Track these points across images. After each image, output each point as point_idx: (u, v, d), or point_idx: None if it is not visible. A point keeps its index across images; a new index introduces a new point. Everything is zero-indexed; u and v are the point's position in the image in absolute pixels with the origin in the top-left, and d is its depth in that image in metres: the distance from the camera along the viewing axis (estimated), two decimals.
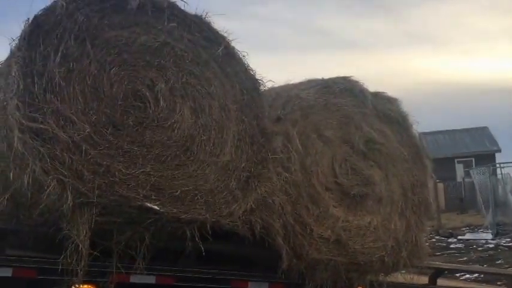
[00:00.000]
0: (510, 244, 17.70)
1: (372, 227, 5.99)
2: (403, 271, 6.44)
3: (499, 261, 14.11)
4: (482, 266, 13.34)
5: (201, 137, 4.85)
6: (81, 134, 4.27)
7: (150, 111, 4.64)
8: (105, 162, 4.33)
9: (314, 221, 5.60)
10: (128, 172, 4.42)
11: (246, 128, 5.13)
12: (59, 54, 4.34)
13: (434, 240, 19.08)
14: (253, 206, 4.98)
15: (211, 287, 5.41)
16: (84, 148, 4.26)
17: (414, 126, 6.60)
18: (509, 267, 12.97)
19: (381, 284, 6.05)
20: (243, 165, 5.04)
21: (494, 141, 39.98)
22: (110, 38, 4.61)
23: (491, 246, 17.60)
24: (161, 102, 4.69)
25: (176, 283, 5.16)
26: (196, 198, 4.71)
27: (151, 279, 4.96)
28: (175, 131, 4.72)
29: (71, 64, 4.40)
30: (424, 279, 7.30)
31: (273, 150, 5.23)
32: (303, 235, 5.48)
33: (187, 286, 5.29)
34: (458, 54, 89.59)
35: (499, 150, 39.13)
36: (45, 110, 4.21)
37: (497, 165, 23.96)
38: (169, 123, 4.70)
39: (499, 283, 10.41)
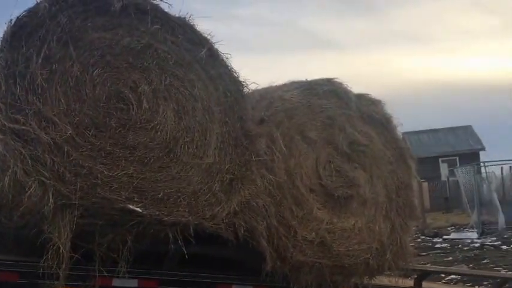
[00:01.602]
0: (496, 243, 17.85)
1: (356, 229, 6.02)
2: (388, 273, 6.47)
3: (485, 261, 14.23)
4: (468, 265, 13.44)
5: (184, 139, 4.86)
6: (63, 136, 4.28)
7: (133, 113, 4.64)
8: (87, 164, 4.34)
9: (298, 223, 5.62)
10: (110, 174, 4.43)
11: (229, 130, 5.15)
12: (42, 55, 4.34)
13: (419, 240, 19.20)
14: (236, 208, 4.99)
15: None
16: (66, 150, 4.27)
17: (398, 128, 6.66)
18: (495, 267, 13.08)
19: (365, 287, 6.08)
20: (227, 167, 5.05)
21: (478, 140, 40.26)
22: (93, 39, 4.61)
23: (476, 245, 17.73)
24: (144, 104, 4.69)
25: (159, 286, 5.18)
26: (179, 200, 4.73)
27: (133, 283, 4.97)
28: (158, 132, 4.73)
29: (54, 66, 4.40)
30: (410, 282, 7.36)
31: (256, 152, 5.25)
32: (287, 237, 5.50)
33: None
34: (441, 53, 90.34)
35: (483, 149, 39.43)
36: (27, 111, 4.23)
37: (482, 164, 24.14)
38: (152, 125, 4.71)
39: (485, 282, 10.53)
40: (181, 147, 4.84)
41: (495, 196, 21.99)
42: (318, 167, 5.91)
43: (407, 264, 6.47)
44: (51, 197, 4.09)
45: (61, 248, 4.14)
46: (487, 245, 17.63)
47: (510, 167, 24.76)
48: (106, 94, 4.57)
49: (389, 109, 6.61)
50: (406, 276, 6.95)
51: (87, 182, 4.31)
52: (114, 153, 4.50)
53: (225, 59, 5.25)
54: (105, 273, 4.50)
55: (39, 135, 4.19)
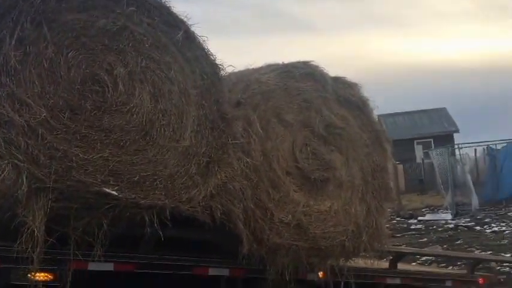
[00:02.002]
0: (469, 224, 18.11)
1: (332, 212, 6.07)
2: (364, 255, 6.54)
3: (459, 242, 14.45)
4: (442, 246, 13.62)
5: (160, 122, 4.83)
6: (38, 118, 4.22)
7: (109, 96, 4.59)
8: (62, 147, 4.29)
9: (275, 205, 5.65)
10: (86, 157, 4.39)
11: (206, 113, 5.13)
12: (15, 37, 4.25)
13: (394, 221, 19.42)
14: (213, 191, 5.00)
15: (170, 274, 5.44)
16: (40, 132, 4.21)
17: (374, 111, 6.70)
18: (468, 248, 13.29)
19: (341, 269, 6.14)
20: (203, 150, 5.04)
21: (452, 122, 40.56)
22: (68, 21, 4.53)
23: (451, 226, 17.99)
24: (120, 87, 4.63)
25: (135, 270, 5.17)
26: (155, 183, 4.71)
27: (109, 267, 4.96)
28: (134, 115, 4.68)
29: (27, 47, 4.32)
30: (385, 263, 7.45)
31: (233, 135, 5.24)
32: (264, 220, 5.52)
33: (147, 273, 5.31)
34: (417, 36, 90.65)
35: (457, 131, 39.73)
36: (0, 93, 4.15)
37: (456, 146, 24.41)
38: (128, 108, 4.66)
39: (458, 263, 10.71)
40: (157, 130, 4.81)
41: (469, 178, 22.25)
42: (295, 149, 5.94)
43: (382, 246, 6.55)
44: (25, 180, 4.04)
45: (35, 232, 4.10)
46: (461, 226, 17.89)
47: (484, 148, 25.00)
48: (81, 76, 4.51)
49: (366, 92, 6.65)
50: (381, 257, 7.03)
51: (62, 165, 4.26)
52: (90, 136, 4.45)
53: (201, 41, 5.21)
54: (81, 257, 4.47)
55: (13, 117, 4.12)
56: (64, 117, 4.35)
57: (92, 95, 4.52)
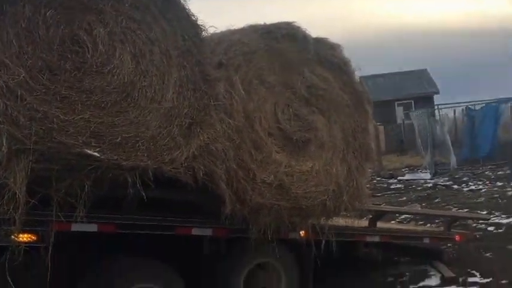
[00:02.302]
0: (447, 183, 18.25)
1: (314, 172, 6.05)
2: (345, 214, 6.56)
3: (437, 200, 14.56)
4: (421, 204, 13.73)
5: (141, 83, 4.72)
6: (16, 79, 4.08)
7: (89, 56, 4.46)
8: (42, 108, 4.17)
9: (257, 166, 5.61)
10: (67, 118, 4.28)
11: (187, 74, 5.02)
12: None
13: (375, 181, 19.53)
14: (195, 152, 4.93)
15: (154, 234, 5.41)
16: (19, 93, 4.08)
17: (356, 72, 6.63)
18: (446, 205, 13.41)
19: (322, 228, 6.15)
20: (185, 111, 4.95)
21: (433, 83, 40.60)
22: None
23: (429, 185, 18.10)
24: (100, 47, 4.50)
25: (119, 231, 5.13)
26: (137, 145, 4.62)
27: (93, 228, 4.91)
28: (115, 76, 4.56)
29: (4, 7, 4.15)
30: (365, 222, 7.50)
31: (215, 97, 5.16)
32: (246, 180, 5.49)
33: (130, 234, 5.28)
34: None
35: (438, 92, 39.83)
36: None
37: (436, 107, 24.45)
38: (108, 69, 4.54)
39: (436, 221, 10.82)
40: (139, 91, 4.70)
41: (448, 138, 22.38)
42: (277, 111, 5.87)
43: (362, 205, 6.56)
44: (5, 141, 3.94)
45: (17, 193, 4.03)
46: (439, 184, 18.02)
47: (462, 109, 25.12)
48: (60, 36, 4.36)
49: (347, 53, 6.57)
50: (361, 216, 7.06)
51: (43, 127, 4.16)
52: (70, 97, 4.33)
53: (182, 1, 5.05)
54: (63, 219, 4.41)
55: None
56: (43, 78, 4.22)
57: (71, 56, 4.39)
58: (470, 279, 7.33)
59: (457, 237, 8.52)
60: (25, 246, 4.26)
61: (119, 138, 4.52)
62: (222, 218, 5.33)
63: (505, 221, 10.87)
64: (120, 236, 5.28)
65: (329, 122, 6.30)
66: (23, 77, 4.11)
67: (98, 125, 4.43)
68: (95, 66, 4.48)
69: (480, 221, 10.49)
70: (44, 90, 4.22)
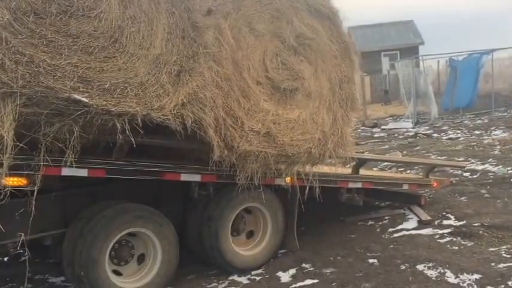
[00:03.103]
0: (428, 132, 18.24)
1: (300, 121, 5.89)
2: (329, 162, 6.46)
3: (417, 148, 14.52)
4: (402, 152, 13.71)
5: (130, 28, 4.47)
6: (0, 21, 3.84)
7: (75, 0, 4.20)
8: (27, 52, 3.95)
9: (245, 114, 5.43)
10: (54, 63, 4.06)
11: (176, 21, 4.76)
12: None
13: (359, 130, 19.50)
14: (184, 100, 4.75)
15: (144, 180, 5.28)
16: (4, 36, 3.85)
17: (344, 22, 6.37)
18: (426, 153, 13.39)
19: (307, 174, 6.05)
20: (174, 59, 4.73)
21: (418, 34, 39.90)
22: None
23: (411, 134, 18.07)
24: None
25: (109, 175, 4.99)
26: (126, 91, 4.42)
27: (83, 172, 4.77)
28: (102, 21, 4.31)
29: None
30: (348, 169, 7.41)
31: (204, 45, 4.92)
32: (234, 128, 5.32)
33: (120, 179, 5.15)
34: None
35: (423, 43, 39.21)
36: None
37: (420, 58, 24.11)
38: (95, 13, 4.28)
39: (416, 168, 10.80)
40: (126, 37, 4.46)
41: (430, 88, 22.24)
42: (265, 59, 5.65)
43: (346, 153, 6.44)
44: None
45: (5, 137, 3.86)
46: (420, 133, 17.99)
47: (446, 60, 24.86)
48: None
49: (336, 3, 6.30)
50: (344, 164, 6.96)
51: (29, 70, 3.95)
52: (56, 41, 4.09)
53: None
54: (51, 163, 4.24)
55: None
56: (28, 21, 3.97)
57: None
58: (445, 222, 7.33)
59: (434, 184, 8.50)
60: (12, 188, 4.11)
61: (108, 84, 4.32)
62: (210, 164, 5.18)
63: (480, 167, 10.88)
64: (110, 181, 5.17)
65: (316, 71, 6.09)
66: (7, 19, 3.86)
67: (86, 70, 4.23)
68: (81, 10, 4.23)
69: (456, 167, 10.49)
70: (29, 34, 3.99)
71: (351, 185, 7.17)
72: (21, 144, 4.01)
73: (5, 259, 6.09)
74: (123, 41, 4.44)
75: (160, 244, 5.48)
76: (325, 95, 6.15)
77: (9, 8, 3.90)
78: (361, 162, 7.49)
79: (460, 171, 10.45)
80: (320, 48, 6.10)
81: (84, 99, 4.17)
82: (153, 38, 4.62)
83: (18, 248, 4.60)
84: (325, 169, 6.52)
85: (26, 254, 4.69)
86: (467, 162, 11.16)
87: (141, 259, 5.53)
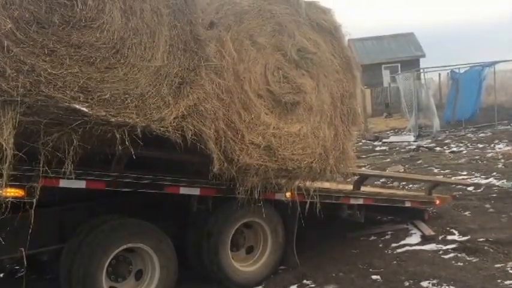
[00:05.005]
0: (430, 145, 18.21)
1: (301, 135, 5.93)
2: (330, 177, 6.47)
3: (419, 161, 14.49)
4: (404, 166, 13.68)
5: (131, 40, 4.51)
6: (3, 30, 3.87)
7: (78, 10, 4.23)
8: (29, 61, 3.98)
9: (246, 127, 5.47)
10: (54, 72, 4.09)
11: (178, 34, 4.81)
12: None
13: (361, 143, 19.49)
14: (185, 112, 4.78)
15: (143, 194, 5.30)
16: (6, 44, 3.88)
17: (346, 37, 6.44)
18: (428, 167, 13.34)
19: (308, 190, 6.07)
20: (175, 71, 4.77)
21: (419, 47, 40.05)
22: None
23: (413, 147, 18.05)
24: (89, 2, 4.28)
25: (108, 188, 5.01)
26: (126, 102, 4.45)
27: (81, 184, 4.78)
28: (105, 32, 4.35)
29: None
30: (349, 186, 7.42)
31: (206, 58, 4.97)
32: (235, 141, 5.36)
33: (118, 191, 5.16)
34: None
35: (424, 56, 39.36)
36: None
37: (421, 70, 24.17)
38: (97, 24, 4.32)
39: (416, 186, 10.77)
40: (128, 48, 4.50)
41: (432, 101, 22.27)
42: (267, 72, 5.70)
43: (347, 168, 6.46)
44: None
45: (4, 145, 3.88)
46: (422, 146, 17.96)
47: (447, 73, 24.93)
48: None
49: (338, 18, 6.37)
50: (346, 179, 6.98)
51: (30, 79, 3.97)
52: (58, 51, 4.13)
53: None
54: (51, 174, 4.27)
55: None
56: (31, 30, 4.01)
57: (60, 9, 4.16)
58: (450, 237, 7.33)
59: (437, 201, 8.50)
60: (12, 200, 4.12)
61: (108, 95, 4.35)
62: (210, 176, 5.21)
63: (484, 181, 10.87)
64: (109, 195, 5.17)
65: (318, 86, 6.14)
66: (10, 27, 3.90)
67: (87, 80, 4.25)
68: (83, 21, 4.27)
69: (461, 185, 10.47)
70: (31, 43, 4.02)
71: (352, 201, 7.17)
72: (20, 154, 4.03)
73: (0, 275, 6.07)
74: (124, 52, 4.48)
75: (159, 260, 5.47)
76: (327, 110, 6.19)
77: (12, 17, 3.93)
78: (362, 178, 7.51)
79: (463, 185, 10.43)
80: (322, 63, 6.16)
81: (84, 109, 4.19)
82: (154, 50, 4.66)
83: (14, 264, 4.58)
84: (326, 184, 6.54)
85: (23, 269, 4.67)
86: (470, 182, 11.06)
87: (139, 275, 5.50)
